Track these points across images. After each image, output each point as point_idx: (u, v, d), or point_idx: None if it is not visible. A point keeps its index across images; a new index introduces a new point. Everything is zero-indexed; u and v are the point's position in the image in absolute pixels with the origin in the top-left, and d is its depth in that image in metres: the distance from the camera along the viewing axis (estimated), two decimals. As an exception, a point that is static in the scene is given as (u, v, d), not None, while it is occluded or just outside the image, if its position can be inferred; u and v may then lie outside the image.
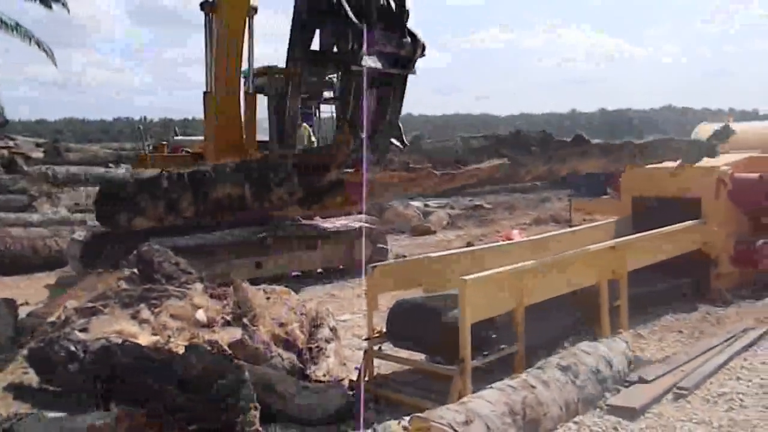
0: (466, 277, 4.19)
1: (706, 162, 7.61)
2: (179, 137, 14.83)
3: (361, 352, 4.95)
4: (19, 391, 3.94)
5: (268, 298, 5.24)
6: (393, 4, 3.73)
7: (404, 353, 4.91)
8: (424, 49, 3.73)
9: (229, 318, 4.84)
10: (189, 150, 11.35)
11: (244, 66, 9.42)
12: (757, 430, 4.01)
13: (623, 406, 4.26)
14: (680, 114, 57.51)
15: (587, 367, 4.37)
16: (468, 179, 4.36)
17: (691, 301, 6.96)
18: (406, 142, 3.93)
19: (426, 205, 16.49)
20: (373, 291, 4.87)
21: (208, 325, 4.76)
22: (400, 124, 3.92)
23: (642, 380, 4.64)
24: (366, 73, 3.61)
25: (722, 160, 7.49)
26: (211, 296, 5.09)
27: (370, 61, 3.62)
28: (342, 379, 4.77)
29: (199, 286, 5.21)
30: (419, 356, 4.93)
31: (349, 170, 3.74)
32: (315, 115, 12.05)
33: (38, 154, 16.10)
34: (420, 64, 3.87)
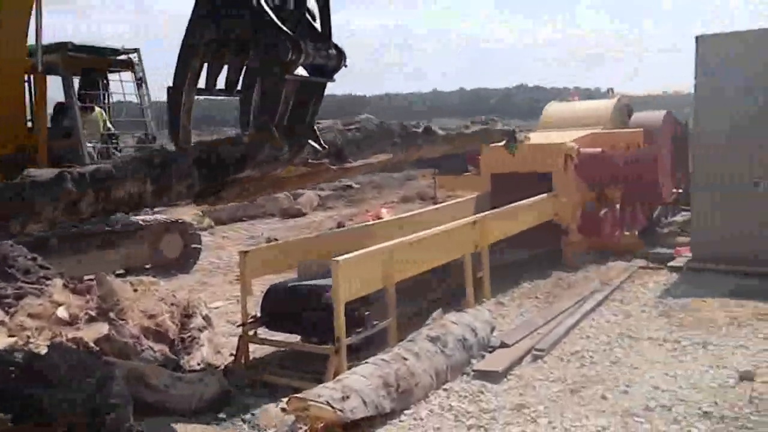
0: (339, 258, 4.29)
1: (554, 139, 8.23)
2: None
3: (236, 339, 4.93)
4: None
5: (135, 291, 5.06)
6: (317, 18, 3.74)
7: (280, 336, 4.96)
8: (346, 59, 3.80)
9: (93, 313, 4.63)
10: None
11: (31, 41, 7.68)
12: (606, 383, 4.41)
13: (488, 371, 4.56)
14: (532, 92, 60.94)
15: (454, 336, 4.62)
16: (358, 171, 4.57)
17: (545, 268, 7.49)
18: (324, 145, 3.99)
19: (295, 187, 16.45)
20: (246, 276, 4.85)
21: (71, 322, 4.53)
22: (316, 127, 3.97)
23: (503, 345, 4.99)
24: (292, 82, 3.60)
25: (568, 137, 8.10)
26: (73, 292, 4.84)
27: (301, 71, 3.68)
28: (217, 367, 4.73)
29: (58, 281, 4.93)
30: (295, 338, 4.99)
31: None
32: (104, 96, 9.35)
33: None
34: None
